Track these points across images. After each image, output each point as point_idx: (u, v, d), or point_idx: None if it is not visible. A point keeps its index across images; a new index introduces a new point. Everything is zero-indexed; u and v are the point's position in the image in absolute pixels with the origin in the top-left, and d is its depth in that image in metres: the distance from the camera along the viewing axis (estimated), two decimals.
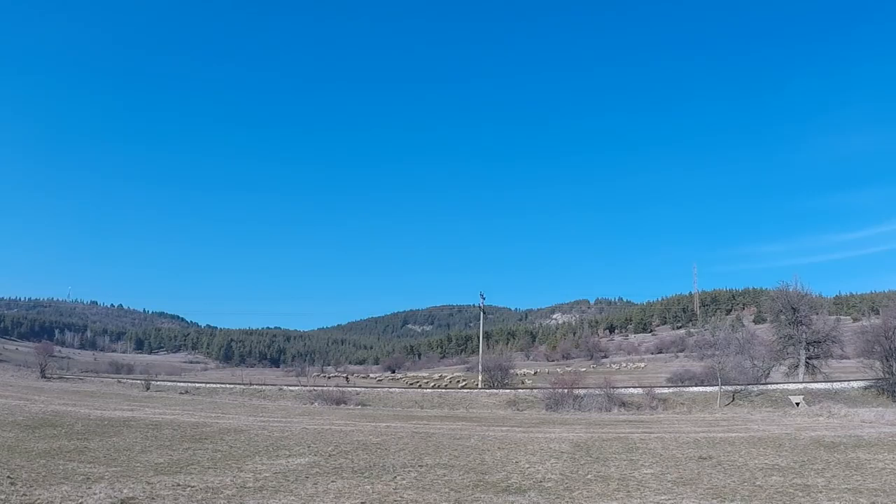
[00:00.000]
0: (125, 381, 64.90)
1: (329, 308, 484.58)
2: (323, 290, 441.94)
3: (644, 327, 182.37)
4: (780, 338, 55.29)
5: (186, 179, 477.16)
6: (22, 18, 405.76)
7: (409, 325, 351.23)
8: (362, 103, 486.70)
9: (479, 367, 65.92)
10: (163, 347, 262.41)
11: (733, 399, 42.24)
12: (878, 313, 71.80)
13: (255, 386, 57.72)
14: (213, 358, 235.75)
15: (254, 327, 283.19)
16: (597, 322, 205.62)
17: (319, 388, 49.75)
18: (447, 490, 10.75)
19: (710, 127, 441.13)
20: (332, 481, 11.31)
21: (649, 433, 21.65)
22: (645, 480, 11.84)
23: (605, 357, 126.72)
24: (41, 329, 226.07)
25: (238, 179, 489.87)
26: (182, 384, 60.15)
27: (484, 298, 72.45)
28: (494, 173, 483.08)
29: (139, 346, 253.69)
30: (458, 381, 75.87)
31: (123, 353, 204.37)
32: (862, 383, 42.91)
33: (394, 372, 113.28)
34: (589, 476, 12.35)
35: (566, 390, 42.36)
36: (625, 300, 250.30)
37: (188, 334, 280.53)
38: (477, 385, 61.98)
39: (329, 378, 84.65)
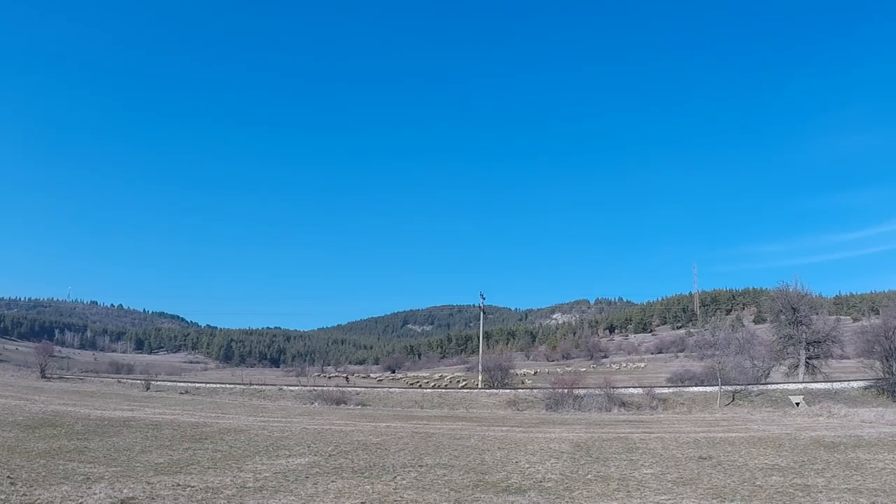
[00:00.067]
0: (125, 381, 64.90)
1: (329, 308, 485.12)
2: (323, 290, 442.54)
3: (644, 327, 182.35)
4: (780, 338, 55.30)
5: (186, 179, 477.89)
6: (22, 18, 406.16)
7: (409, 325, 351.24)
8: (362, 103, 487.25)
9: (479, 367, 65.92)
10: (163, 347, 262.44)
11: (733, 399, 42.24)
12: (878, 313, 71.79)
13: (255, 386, 57.72)
14: (213, 358, 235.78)
15: (254, 327, 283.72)
16: (597, 322, 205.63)
17: (319, 388, 49.74)
18: (447, 490, 10.75)
19: (710, 127, 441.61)
20: (332, 481, 11.31)
21: (649, 433, 21.65)
22: (645, 480, 11.84)
23: (605, 357, 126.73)
24: (41, 329, 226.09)
25: (238, 179, 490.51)
26: (182, 384, 60.14)
27: (484, 298, 72.54)
28: (494, 173, 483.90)
29: (139, 346, 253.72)
30: (459, 381, 75.89)
31: (123, 353, 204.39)
32: (862, 383, 42.91)
33: (394, 372, 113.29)
34: (589, 476, 12.35)
35: (566, 390, 42.36)
36: (625, 300, 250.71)
37: (188, 334, 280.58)
38: (477, 385, 61.98)
39: (329, 378, 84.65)
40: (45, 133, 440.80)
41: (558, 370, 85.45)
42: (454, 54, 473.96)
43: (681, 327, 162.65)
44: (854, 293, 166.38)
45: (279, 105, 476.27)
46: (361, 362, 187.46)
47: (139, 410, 28.57)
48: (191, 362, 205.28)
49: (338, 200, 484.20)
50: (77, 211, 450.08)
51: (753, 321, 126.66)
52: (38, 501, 8.88)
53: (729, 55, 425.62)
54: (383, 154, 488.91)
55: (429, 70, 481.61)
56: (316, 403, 42.09)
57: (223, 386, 58.50)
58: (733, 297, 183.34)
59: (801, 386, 44.54)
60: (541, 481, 11.70)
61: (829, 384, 43.92)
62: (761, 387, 45.45)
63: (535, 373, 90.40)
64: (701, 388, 46.14)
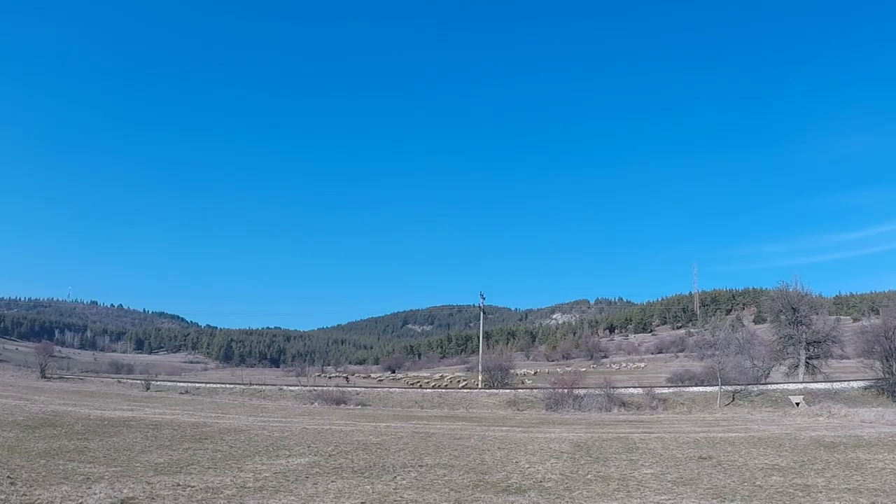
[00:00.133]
0: (125, 381, 64.91)
1: (329, 308, 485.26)
2: (323, 290, 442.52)
3: (644, 327, 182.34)
4: (780, 338, 55.30)
5: (186, 179, 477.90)
6: (22, 18, 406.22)
7: (409, 325, 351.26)
8: (362, 103, 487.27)
9: (479, 367, 65.92)
10: (163, 347, 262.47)
11: (733, 399, 42.24)
12: (878, 313, 71.81)
13: (255, 386, 57.73)
14: (213, 358, 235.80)
15: (254, 327, 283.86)
16: (597, 322, 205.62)
17: (319, 388, 49.73)
18: (447, 490, 10.75)
19: (711, 127, 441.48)
20: (332, 481, 11.31)
21: (649, 433, 21.65)
22: (645, 480, 11.84)
23: (605, 357, 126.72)
24: (41, 329, 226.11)
25: (238, 179, 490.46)
26: (182, 384, 60.15)
27: (484, 298, 72.53)
28: (494, 173, 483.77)
29: (139, 346, 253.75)
30: (459, 381, 75.87)
31: (123, 353, 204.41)
32: (862, 383, 42.90)
33: (394, 372, 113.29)
34: (589, 476, 12.35)
35: (566, 390, 42.36)
36: (625, 300, 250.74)
37: (188, 334, 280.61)
38: (477, 385, 61.98)
39: (329, 378, 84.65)
40: (45, 133, 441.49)
41: (558, 370, 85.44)
42: (454, 54, 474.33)
43: (681, 327, 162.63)
44: (854, 293, 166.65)
45: (279, 105, 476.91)
46: (361, 362, 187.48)
47: (139, 410, 28.57)
48: (191, 362, 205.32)
49: (338, 200, 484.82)
50: (77, 211, 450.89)
51: (753, 321, 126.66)
52: (38, 501, 8.88)
53: (729, 55, 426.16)
54: (383, 154, 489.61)
55: (429, 70, 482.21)
56: (316, 403, 42.09)
57: (223, 386, 58.51)
58: (733, 297, 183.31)
59: (801, 386, 44.54)
60: (541, 481, 11.70)
61: (829, 384, 43.92)
62: (761, 387, 45.44)
63: (535, 373, 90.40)
64: (701, 388, 46.14)
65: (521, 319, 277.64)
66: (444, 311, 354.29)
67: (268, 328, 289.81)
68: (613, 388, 44.11)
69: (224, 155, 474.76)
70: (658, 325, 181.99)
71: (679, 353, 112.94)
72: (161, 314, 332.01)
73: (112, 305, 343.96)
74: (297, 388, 54.92)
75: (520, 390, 50.46)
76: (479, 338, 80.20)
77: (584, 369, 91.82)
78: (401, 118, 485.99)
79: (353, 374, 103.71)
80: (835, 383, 44.14)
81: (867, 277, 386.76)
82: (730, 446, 17.27)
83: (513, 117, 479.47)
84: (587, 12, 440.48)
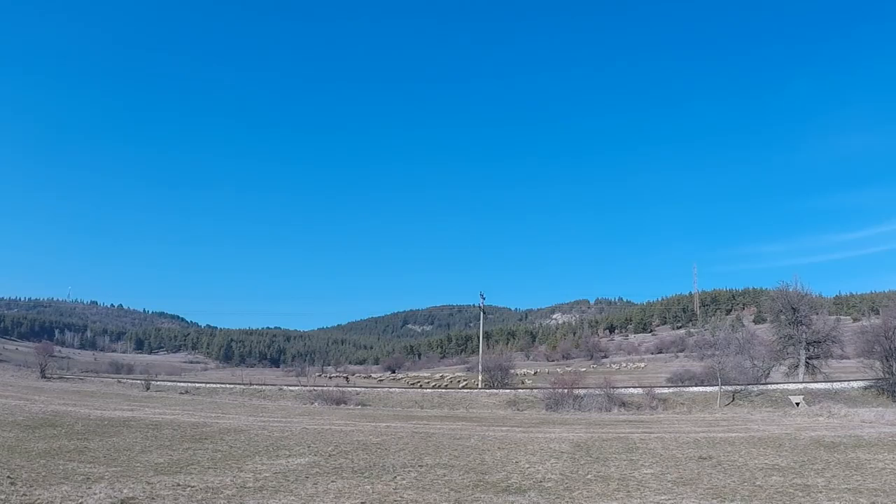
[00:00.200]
0: (125, 381, 64.91)
1: (329, 308, 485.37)
2: (323, 290, 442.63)
3: (644, 327, 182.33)
4: (780, 338, 55.29)
5: (186, 179, 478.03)
6: (22, 18, 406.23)
7: (409, 325, 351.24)
8: (362, 103, 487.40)
9: (479, 367, 65.92)
10: (163, 347, 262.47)
11: (733, 399, 42.24)
12: (878, 313, 71.81)
13: (255, 386, 57.73)
14: (213, 358, 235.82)
15: (254, 327, 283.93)
16: (597, 322, 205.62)
17: (319, 388, 49.73)
18: (447, 490, 10.75)
19: (711, 127, 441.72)
20: (332, 481, 11.31)
21: (649, 433, 21.65)
22: (645, 480, 11.84)
23: (605, 357, 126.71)
24: (41, 329, 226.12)
25: (238, 179, 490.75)
26: (182, 384, 60.15)
27: (484, 298, 72.52)
28: (494, 173, 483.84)
29: (139, 346, 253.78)
30: (459, 381, 75.85)
31: (123, 353, 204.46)
32: (862, 383, 42.90)
33: (394, 372, 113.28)
34: (589, 476, 12.35)
35: (566, 390, 42.36)
36: (625, 300, 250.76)
37: (188, 334, 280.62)
38: (477, 385, 61.98)
39: (329, 378, 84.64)
40: (45, 133, 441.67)
41: (558, 370, 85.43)
42: (454, 54, 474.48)
43: (681, 327, 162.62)
44: (854, 293, 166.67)
45: (279, 105, 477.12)
46: (361, 362, 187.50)
47: (139, 410, 28.57)
48: (191, 362, 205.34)
49: (338, 200, 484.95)
50: (77, 211, 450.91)
51: (753, 321, 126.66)
52: (38, 501, 8.88)
53: (729, 55, 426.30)
54: (383, 154, 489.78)
55: (429, 70, 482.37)
56: (316, 403, 42.09)
57: (223, 386, 58.51)
58: (733, 297, 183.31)
59: (801, 386, 44.54)
60: (541, 481, 11.70)
61: (829, 384, 43.92)
62: (761, 387, 45.44)
63: (535, 373, 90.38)
64: (701, 388, 46.14)
65: (521, 319, 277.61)
66: (444, 311, 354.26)
67: (268, 328, 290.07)
68: (613, 388, 44.11)
69: (224, 155, 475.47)
70: (658, 325, 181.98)
71: (679, 353, 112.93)
72: (161, 314, 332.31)
73: (112, 305, 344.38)
74: (297, 388, 54.92)
75: (520, 390, 50.46)
76: (479, 338, 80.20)
77: (584, 369, 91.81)
78: (401, 118, 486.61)
79: (353, 374, 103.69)
80: (835, 383, 44.14)
81: (867, 277, 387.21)
82: (730, 446, 17.27)
83: (513, 117, 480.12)
84: (587, 12, 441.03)
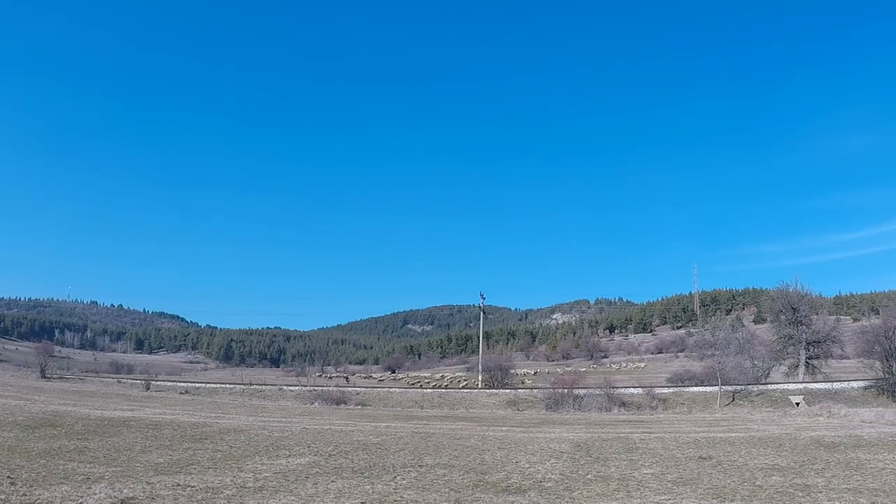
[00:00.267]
0: (125, 381, 64.91)
1: (329, 308, 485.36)
2: (323, 290, 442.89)
3: (644, 327, 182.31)
4: (780, 338, 55.29)
5: (186, 179, 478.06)
6: (22, 18, 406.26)
7: (409, 325, 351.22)
8: (362, 103, 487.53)
9: (480, 367, 65.92)
10: (163, 347, 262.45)
11: (733, 399, 42.24)
12: (878, 313, 71.80)
13: (255, 386, 57.73)
14: (213, 358, 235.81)
15: (254, 327, 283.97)
16: (597, 322, 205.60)
17: (319, 388, 49.75)
18: (447, 490, 10.75)
19: (711, 127, 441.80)
20: (332, 481, 11.31)
21: (649, 433, 21.65)
22: (645, 480, 11.84)
23: (605, 357, 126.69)
24: (41, 329, 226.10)
25: (238, 179, 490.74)
26: (182, 384, 60.15)
27: (484, 298, 72.53)
28: (494, 173, 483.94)
29: (139, 346, 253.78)
30: (459, 381, 75.85)
31: (123, 353, 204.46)
32: (862, 383, 42.90)
33: (394, 372, 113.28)
34: (589, 476, 12.35)
35: (566, 390, 42.36)
36: (625, 300, 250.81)
37: (188, 334, 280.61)
38: (477, 385, 61.98)
39: (329, 378, 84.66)
40: (45, 133, 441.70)
41: (558, 370, 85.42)
42: (454, 54, 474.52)
43: (681, 327, 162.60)
44: (854, 293, 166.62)
45: (279, 105, 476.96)
46: (361, 362, 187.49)
47: (139, 410, 28.57)
48: (191, 362, 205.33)
49: (338, 200, 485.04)
50: (77, 211, 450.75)
51: (753, 321, 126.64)
52: (38, 501, 8.88)
53: (729, 55, 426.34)
54: (383, 154, 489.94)
55: (428, 70, 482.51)
56: (316, 403, 42.09)
57: (223, 386, 58.51)
58: (733, 297, 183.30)
59: (801, 386, 44.53)
60: (541, 481, 11.70)
61: (829, 384, 43.92)
62: (761, 387, 45.44)
63: (535, 373, 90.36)
64: (701, 388, 46.14)
65: (521, 319, 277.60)
66: (444, 311, 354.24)
67: (268, 328, 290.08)
68: (613, 388, 44.11)
69: (224, 155, 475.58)
70: (658, 325, 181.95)
71: (679, 353, 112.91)
72: (161, 314, 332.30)
73: (112, 305, 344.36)
74: (297, 388, 54.92)
75: (520, 390, 50.46)
76: (479, 338, 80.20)
77: (584, 369, 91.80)
78: (400, 118, 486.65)
79: (353, 374, 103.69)
80: (835, 383, 44.13)
81: (867, 277, 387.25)
82: (730, 446, 17.27)
83: (513, 117, 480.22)
84: (587, 12, 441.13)
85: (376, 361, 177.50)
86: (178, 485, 10.46)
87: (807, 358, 51.68)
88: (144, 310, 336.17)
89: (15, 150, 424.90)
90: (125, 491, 9.76)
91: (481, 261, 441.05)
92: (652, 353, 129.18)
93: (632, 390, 45.69)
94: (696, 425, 26.30)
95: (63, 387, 50.76)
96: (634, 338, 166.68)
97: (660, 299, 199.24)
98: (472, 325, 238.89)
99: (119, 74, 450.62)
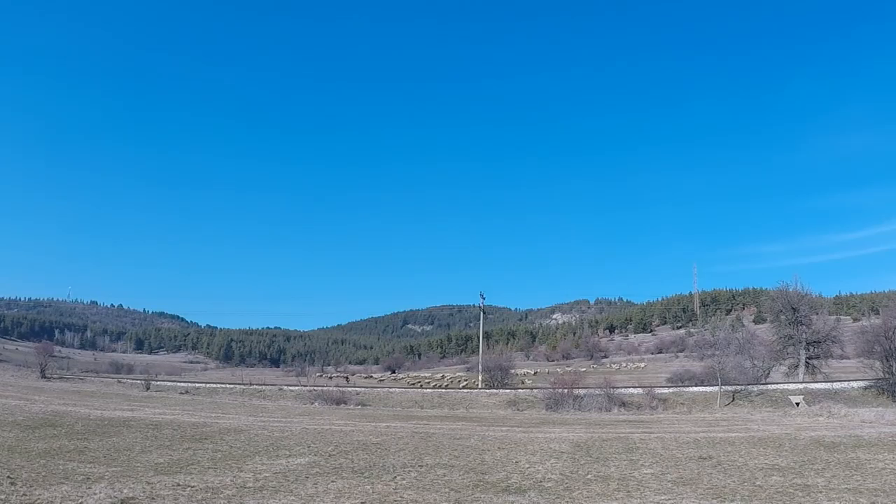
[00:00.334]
0: (125, 381, 64.91)
1: (329, 308, 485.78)
2: (323, 290, 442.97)
3: (644, 327, 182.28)
4: (780, 338, 55.28)
5: (186, 179, 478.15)
6: (22, 18, 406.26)
7: (409, 325, 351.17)
8: (362, 103, 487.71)
9: (480, 367, 65.92)
10: (163, 347, 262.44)
11: (733, 399, 42.24)
12: (878, 313, 71.79)
13: (255, 386, 57.73)
14: (213, 358, 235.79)
15: (254, 327, 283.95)
16: (597, 322, 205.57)
17: (319, 388, 49.75)
18: (447, 490, 10.74)
19: (711, 127, 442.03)
20: (333, 481, 11.31)
21: (649, 433, 21.65)
22: (645, 480, 11.84)
23: (605, 357, 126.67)
24: (41, 329, 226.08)
25: (238, 179, 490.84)
26: (182, 384, 60.15)
27: (484, 298, 72.54)
28: (494, 173, 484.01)
29: (139, 346, 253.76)
30: (459, 381, 75.85)
31: (123, 353, 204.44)
32: (862, 383, 42.90)
33: (394, 372, 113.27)
34: (589, 476, 12.35)
35: (566, 390, 42.36)
36: (625, 300, 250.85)
37: (188, 334, 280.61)
38: (477, 385, 61.98)
39: (329, 378, 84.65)
40: (45, 133, 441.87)
41: (558, 370, 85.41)
42: (454, 54, 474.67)
43: (681, 327, 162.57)
44: (854, 293, 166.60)
45: (279, 105, 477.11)
46: (361, 362, 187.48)
47: (139, 410, 28.56)
48: (191, 362, 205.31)
49: (338, 200, 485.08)
50: (77, 211, 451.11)
51: (753, 321, 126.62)
52: (38, 501, 8.88)
53: (729, 55, 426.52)
54: (383, 154, 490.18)
55: (429, 70, 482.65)
56: (316, 403, 42.09)
57: (223, 386, 58.51)
58: (733, 297, 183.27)
59: (801, 386, 44.53)
60: (541, 481, 11.70)
61: (829, 384, 43.91)
62: (761, 387, 45.44)
63: (535, 373, 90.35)
64: (701, 388, 46.14)
65: (521, 319, 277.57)
66: (444, 311, 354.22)
67: (268, 328, 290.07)
68: (613, 388, 44.10)
69: (224, 155, 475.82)
70: (658, 325, 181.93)
71: (679, 353, 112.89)
72: (161, 314, 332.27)
73: (112, 305, 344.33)
74: (297, 388, 54.92)
75: (520, 390, 50.46)
76: (479, 338, 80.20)
77: (584, 369, 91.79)
78: (401, 118, 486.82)
79: (353, 375, 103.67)
80: (835, 383, 44.13)
81: (867, 277, 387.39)
82: (730, 446, 17.27)
83: (513, 117, 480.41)
84: (587, 12, 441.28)
85: (376, 361, 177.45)
86: (178, 485, 10.46)
87: (807, 358, 51.67)
88: (144, 310, 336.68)
89: (15, 150, 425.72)
90: (125, 491, 9.75)
91: (481, 261, 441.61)
92: (652, 353, 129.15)
93: (632, 390, 45.69)
94: (696, 425, 26.30)
95: (63, 387, 50.75)
96: (634, 338, 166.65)
97: (660, 299, 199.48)
98: (472, 325, 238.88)
99: (119, 74, 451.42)
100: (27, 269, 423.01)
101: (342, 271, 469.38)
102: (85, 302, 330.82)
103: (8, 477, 10.51)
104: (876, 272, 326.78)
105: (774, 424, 25.64)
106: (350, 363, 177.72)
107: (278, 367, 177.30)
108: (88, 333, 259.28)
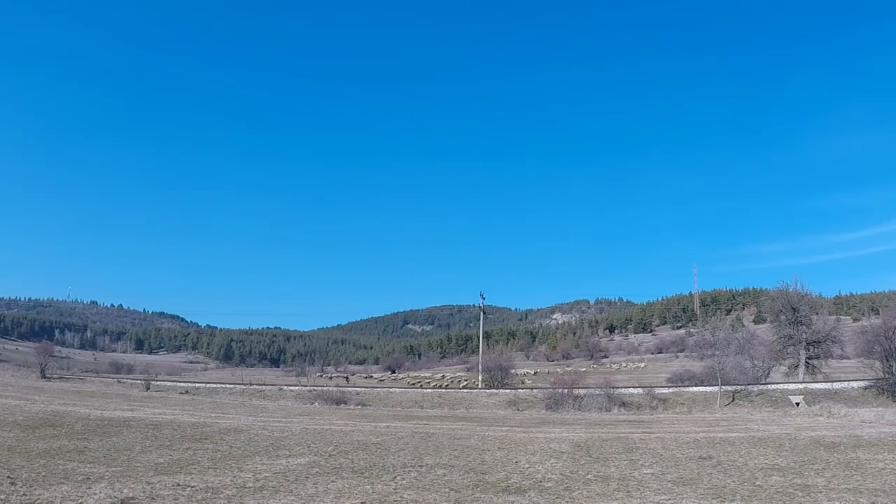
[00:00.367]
0: (125, 381, 64.90)
1: (329, 308, 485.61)
2: (323, 290, 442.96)
3: (644, 327, 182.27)
4: (780, 338, 55.28)
5: (186, 179, 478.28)
6: (22, 18, 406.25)
7: (409, 325, 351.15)
8: (362, 103, 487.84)
9: (480, 367, 65.92)
10: (163, 347, 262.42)
11: (733, 399, 42.23)
12: (878, 313, 71.79)
13: (255, 386, 57.72)
14: (213, 358, 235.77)
15: (254, 327, 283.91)
16: (597, 322, 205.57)
17: (319, 388, 49.75)
18: (447, 490, 10.74)
19: (711, 127, 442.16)
20: (332, 481, 11.31)
21: (649, 433, 21.65)
22: (645, 480, 11.84)
23: (605, 357, 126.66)
24: (41, 329, 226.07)
25: (238, 179, 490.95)
26: (182, 384, 60.15)
27: (484, 298, 72.55)
28: (494, 173, 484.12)
29: (139, 346, 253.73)
30: (459, 381, 75.84)
31: (123, 353, 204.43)
32: (862, 383, 42.89)
33: (394, 372, 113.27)
34: (589, 476, 12.35)
35: (566, 390, 42.35)
36: (625, 300, 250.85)
37: (188, 334, 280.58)
38: (477, 385, 61.97)
39: (329, 378, 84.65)
40: (45, 133, 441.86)
41: (558, 370, 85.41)
42: (454, 54, 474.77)
43: (681, 327, 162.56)
44: (854, 293, 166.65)
45: (279, 105, 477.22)
46: (361, 362, 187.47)
47: (139, 410, 28.56)
48: (191, 362, 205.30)
49: (338, 200, 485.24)
50: (77, 211, 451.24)
51: (753, 321, 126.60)
52: (38, 501, 8.88)
53: (729, 55, 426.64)
54: (383, 154, 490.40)
55: (428, 70, 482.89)
56: (316, 403, 42.09)
57: (223, 386, 58.51)
58: (733, 297, 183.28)
59: (801, 386, 44.53)
60: (541, 481, 11.70)
61: (829, 384, 43.91)
62: (761, 387, 45.43)
63: (535, 373, 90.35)
64: (701, 388, 46.14)
65: (521, 319, 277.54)
66: (444, 311, 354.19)
67: (268, 328, 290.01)
68: (613, 388, 44.10)
69: (224, 155, 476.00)
70: (658, 325, 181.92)
71: (679, 353, 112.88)
72: (161, 314, 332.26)
73: (112, 305, 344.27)
74: (297, 388, 54.92)
75: (520, 390, 50.45)
76: (479, 338, 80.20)
77: (584, 369, 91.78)
78: (401, 118, 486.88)
79: (353, 374, 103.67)
80: (835, 383, 44.13)
81: (867, 277, 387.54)
82: (730, 446, 17.27)
83: (513, 117, 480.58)
84: (587, 12, 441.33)
85: (376, 361, 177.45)
86: (178, 485, 10.46)
87: (807, 358, 51.67)
88: (144, 310, 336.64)
89: (15, 150, 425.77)
90: (125, 491, 9.75)
91: (481, 261, 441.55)
92: (652, 353, 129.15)
93: (632, 390, 45.68)
94: (696, 425, 26.30)
95: (63, 387, 50.75)
96: (634, 338, 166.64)
97: (660, 299, 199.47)
98: (472, 325, 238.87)
99: (119, 74, 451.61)
100: (27, 269, 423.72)
101: (342, 271, 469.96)
102: (85, 302, 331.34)
103: (8, 477, 10.50)
104: (876, 272, 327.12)
105: (774, 424, 25.64)
106: (350, 363, 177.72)
107: (278, 367, 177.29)
108: (88, 333, 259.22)
